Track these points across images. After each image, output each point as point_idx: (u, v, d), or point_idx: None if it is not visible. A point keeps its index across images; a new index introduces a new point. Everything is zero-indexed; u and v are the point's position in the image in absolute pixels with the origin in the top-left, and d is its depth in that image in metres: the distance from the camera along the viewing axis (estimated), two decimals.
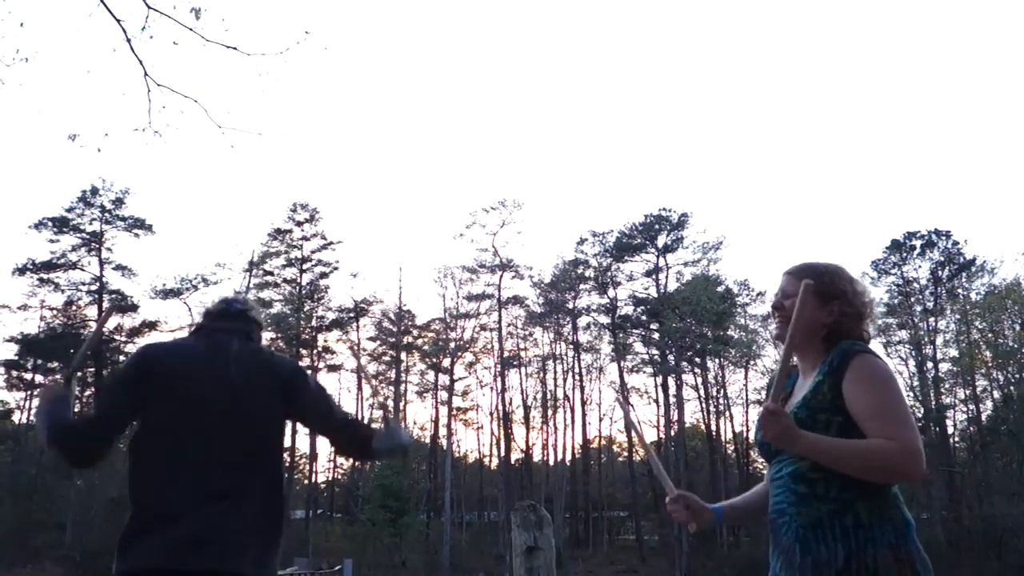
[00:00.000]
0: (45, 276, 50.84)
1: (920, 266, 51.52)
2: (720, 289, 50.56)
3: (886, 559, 1.92)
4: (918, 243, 51.51)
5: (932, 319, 49.93)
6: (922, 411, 48.46)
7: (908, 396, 49.88)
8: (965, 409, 50.03)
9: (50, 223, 50.40)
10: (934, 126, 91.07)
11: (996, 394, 48.20)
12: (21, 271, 50.40)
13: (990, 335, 47.21)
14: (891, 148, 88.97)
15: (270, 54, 9.57)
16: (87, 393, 53.15)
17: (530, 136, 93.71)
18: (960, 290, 50.51)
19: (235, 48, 9.26)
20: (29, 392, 52.99)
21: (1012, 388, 46.17)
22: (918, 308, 50.86)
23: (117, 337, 52.79)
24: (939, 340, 49.82)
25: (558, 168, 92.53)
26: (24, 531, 41.08)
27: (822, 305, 2.19)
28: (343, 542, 46.32)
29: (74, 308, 52.05)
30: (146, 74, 9.49)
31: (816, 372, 2.15)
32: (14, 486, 47.39)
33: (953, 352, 49.19)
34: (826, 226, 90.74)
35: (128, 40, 8.69)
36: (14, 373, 52.35)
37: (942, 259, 51.22)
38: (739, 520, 2.41)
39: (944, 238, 51.27)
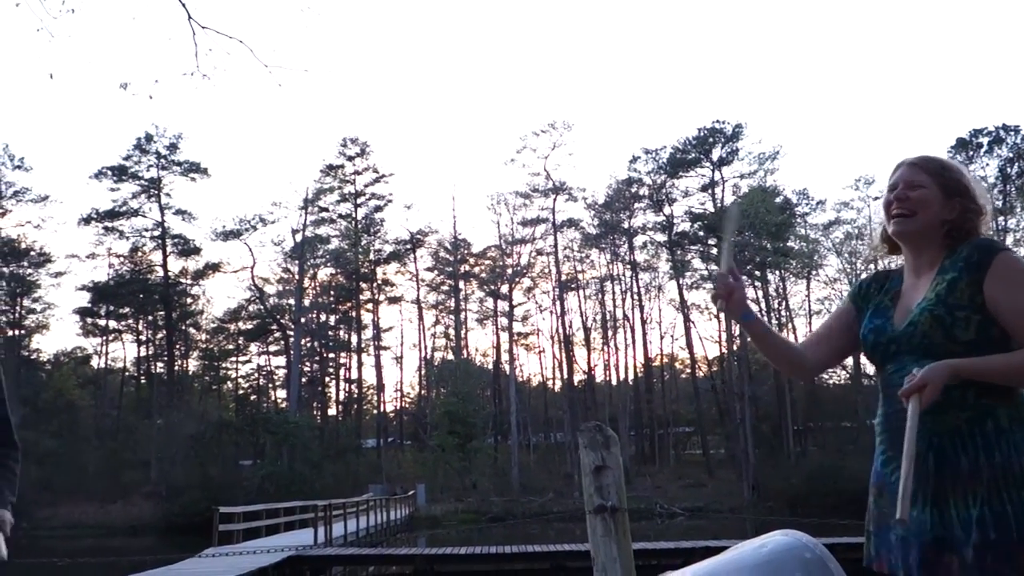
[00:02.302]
0: (109, 224, 52.08)
1: (988, 164, 49.78)
2: (778, 200, 49.62)
3: (1016, 463, 1.86)
4: (985, 140, 49.68)
5: (1001, 218, 48.44)
6: None
7: None
8: None
9: (109, 172, 51.46)
10: (995, 17, 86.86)
11: None
12: (86, 221, 51.72)
13: None
14: (953, 42, 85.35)
15: None
16: (159, 336, 54.85)
17: (577, 55, 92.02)
18: None
19: None
20: (105, 337, 54.84)
21: None
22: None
23: (183, 280, 54.12)
24: (1009, 239, 48.41)
25: (607, 86, 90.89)
26: (112, 470, 43.02)
27: (947, 200, 2.09)
28: (414, 468, 47.58)
29: (140, 254, 53.38)
30: (190, 17, 9.48)
31: (940, 268, 2.05)
32: (99, 428, 49.51)
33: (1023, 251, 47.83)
34: (887, 128, 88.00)
35: None
36: (89, 320, 54.11)
37: (1011, 155, 49.39)
38: (758, 337, 2.27)
39: (1013, 133, 49.34)
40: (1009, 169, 49.24)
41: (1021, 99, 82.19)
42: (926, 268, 2.10)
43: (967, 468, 1.87)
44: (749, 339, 2.31)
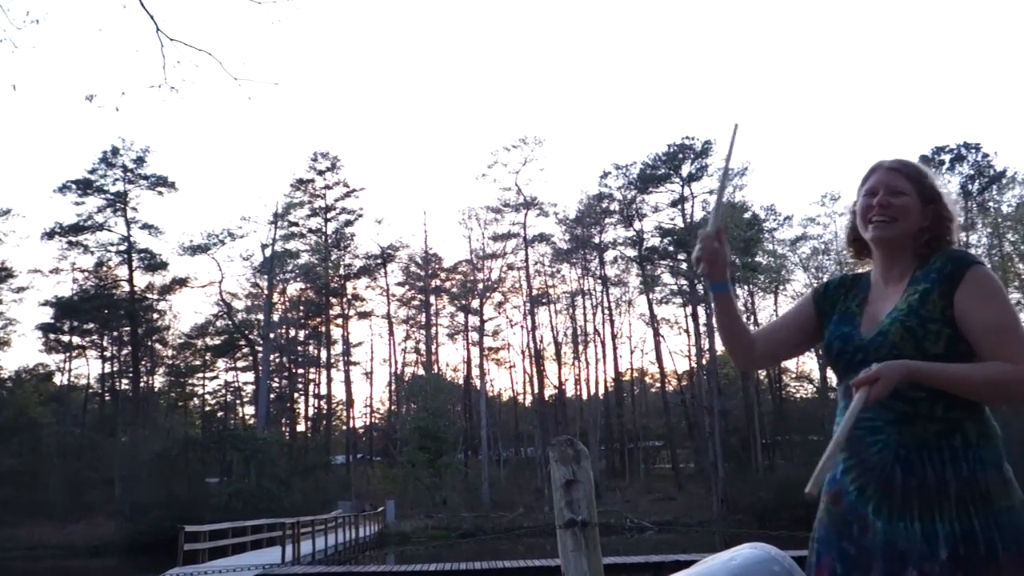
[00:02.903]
0: (74, 239, 51.33)
1: (950, 180, 50.61)
2: (747, 215, 50.06)
3: (995, 480, 1.85)
4: (947, 157, 50.60)
5: (963, 234, 49.26)
6: None
7: None
8: None
9: (74, 185, 50.73)
10: (961, 38, 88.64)
11: None
12: (50, 235, 50.93)
13: (1023, 247, 46.59)
14: (917, 61, 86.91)
15: (282, 1, 9.39)
16: (124, 352, 54.09)
17: (548, 71, 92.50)
18: (991, 203, 49.72)
19: None
20: (68, 354, 53.97)
21: None
22: None
23: (149, 295, 53.46)
24: None
25: (578, 102, 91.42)
26: (75, 489, 42.24)
27: (924, 208, 2.07)
28: (384, 484, 47.24)
29: (105, 269, 52.65)
30: (158, 29, 9.40)
31: (912, 279, 2.03)
32: (61, 446, 48.64)
33: None
34: (853, 145, 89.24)
35: None
36: (52, 336, 53.24)
37: (972, 172, 50.34)
38: (724, 311, 2.22)
39: (974, 151, 50.32)
40: (970, 186, 50.15)
41: (982, 117, 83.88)
42: (896, 277, 2.08)
43: (934, 481, 1.85)
44: (715, 326, 2.27)
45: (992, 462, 1.88)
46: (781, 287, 51.71)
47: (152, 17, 8.98)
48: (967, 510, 1.82)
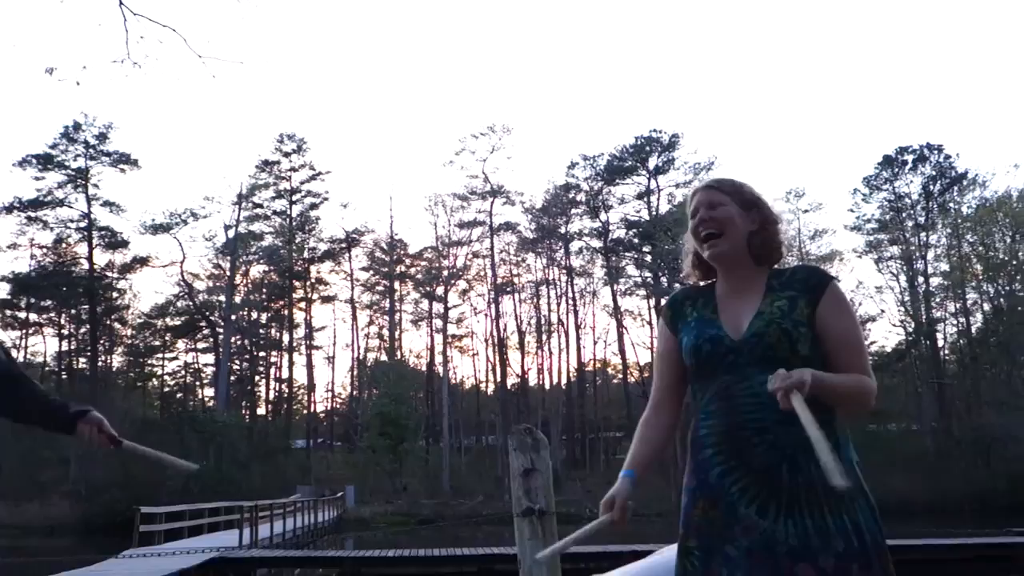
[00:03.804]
0: (32, 214, 50.40)
1: (912, 181, 51.40)
2: None
3: (860, 478, 1.99)
4: (910, 158, 51.27)
5: (923, 234, 50.03)
6: (913, 325, 48.95)
7: (899, 310, 50.39)
8: (955, 322, 50.53)
9: (34, 160, 49.75)
10: (924, 39, 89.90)
11: (987, 307, 48.63)
12: (8, 210, 49.99)
13: (981, 248, 47.41)
14: (881, 62, 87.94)
15: None
16: (82, 331, 53.28)
17: (518, 59, 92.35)
18: (952, 204, 50.52)
19: None
20: (25, 331, 53.08)
21: (1002, 300, 46.59)
22: (909, 223, 50.90)
23: (109, 274, 52.67)
24: (930, 255, 50.02)
25: (547, 91, 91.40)
26: (29, 468, 41.59)
27: (746, 214, 2.17)
28: (344, 469, 47.08)
29: (64, 246, 51.75)
30: (121, 3, 9.25)
31: (771, 287, 2.12)
32: (14, 424, 47.73)
33: (944, 266, 49.44)
34: (817, 142, 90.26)
35: None
36: (8, 312, 52.29)
37: (934, 173, 51.05)
38: (646, 470, 2.28)
39: (936, 152, 51.03)
40: (932, 187, 50.89)
41: (945, 119, 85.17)
42: (744, 284, 2.16)
43: (819, 480, 1.88)
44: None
45: (856, 461, 2.03)
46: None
47: None
48: (852, 506, 1.93)
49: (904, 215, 51.15)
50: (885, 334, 61.58)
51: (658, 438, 2.29)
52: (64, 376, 54.25)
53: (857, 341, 2.07)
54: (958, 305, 49.27)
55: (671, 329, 2.26)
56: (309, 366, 56.21)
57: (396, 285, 58.19)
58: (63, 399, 2.56)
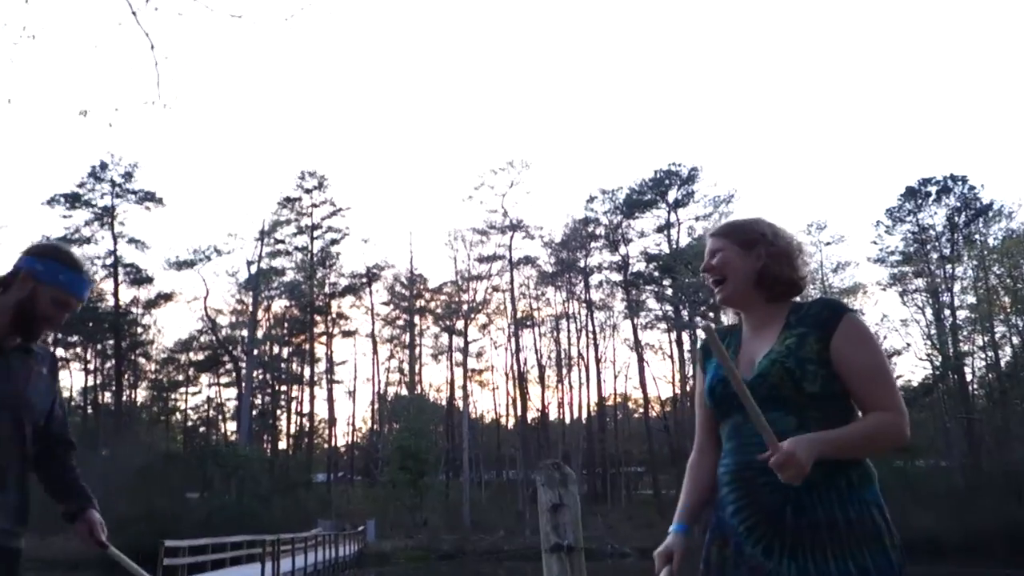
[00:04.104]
0: None
1: (936, 212, 51.03)
2: None
3: (879, 519, 1.95)
4: (933, 189, 50.96)
5: (949, 266, 49.56)
6: (940, 359, 48.35)
7: (926, 344, 49.82)
8: (983, 356, 49.85)
9: (62, 199, 50.64)
10: (946, 69, 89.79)
11: (1015, 340, 47.96)
12: None
13: (1008, 280, 46.87)
14: (904, 93, 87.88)
15: (275, 20, 9.46)
16: (107, 365, 53.67)
17: (536, 95, 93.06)
18: (977, 236, 50.04)
19: (239, 16, 9.14)
20: None
21: None
22: (934, 255, 50.48)
23: (134, 310, 53.20)
24: (956, 287, 49.51)
25: (565, 126, 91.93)
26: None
27: (747, 253, 2.17)
28: (365, 503, 46.93)
29: None
30: (152, 47, 9.44)
31: (784, 324, 2.11)
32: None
33: (971, 299, 48.89)
34: (839, 175, 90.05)
35: (134, 13, 8.60)
36: None
37: (958, 205, 50.68)
38: (697, 520, 2.31)
39: (960, 183, 50.69)
40: (956, 218, 50.51)
41: (969, 150, 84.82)
42: (762, 322, 2.17)
43: (825, 521, 1.91)
44: None
45: (875, 502, 1.98)
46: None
47: (147, 35, 9.02)
48: (861, 550, 1.90)
49: (929, 247, 50.75)
50: (912, 368, 60.99)
51: (705, 480, 2.28)
52: (90, 411, 54.64)
53: (878, 372, 2.01)
54: (986, 338, 48.64)
55: (703, 370, 2.29)
56: (330, 400, 56.30)
57: (416, 319, 58.33)
58: (80, 487, 2.79)
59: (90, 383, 54.91)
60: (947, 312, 49.06)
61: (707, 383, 2.19)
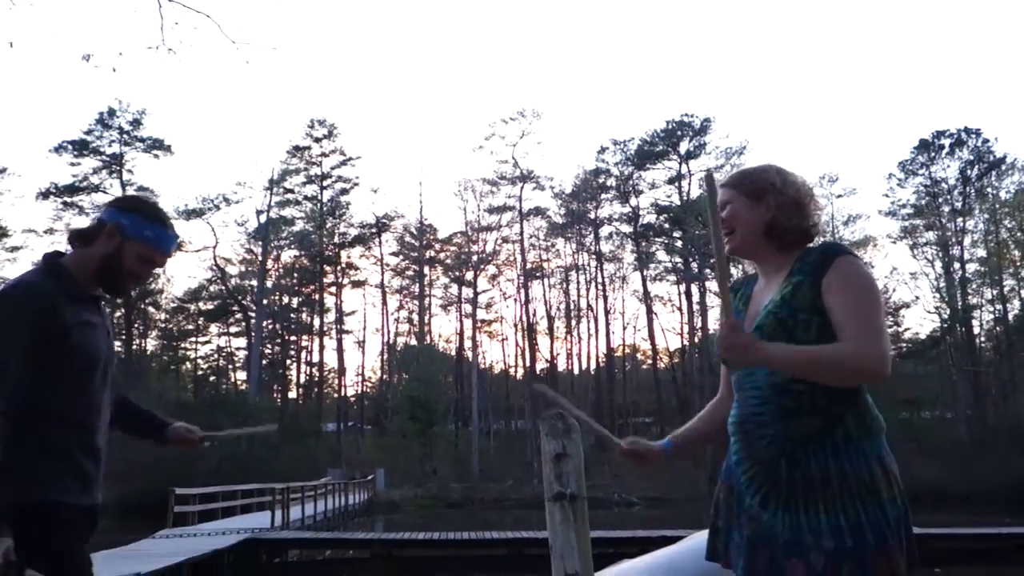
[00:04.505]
0: (68, 200, 51.08)
1: (948, 165, 50.56)
2: None
3: (878, 473, 1.90)
4: (947, 142, 50.42)
5: (960, 219, 49.24)
6: (948, 312, 48.30)
7: (935, 297, 49.69)
8: (992, 309, 49.77)
9: (70, 146, 50.42)
10: (962, 20, 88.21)
11: None
12: (44, 195, 50.69)
13: (1019, 234, 46.61)
14: (919, 45, 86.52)
15: None
16: (117, 315, 54.04)
17: (549, 43, 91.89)
18: (989, 189, 49.62)
19: None
20: None
21: None
22: (946, 208, 50.12)
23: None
24: (967, 240, 49.26)
25: (577, 76, 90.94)
26: None
27: (756, 204, 2.11)
28: (374, 452, 47.43)
29: None
30: None
31: (788, 272, 2.07)
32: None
33: (981, 252, 48.66)
34: (852, 127, 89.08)
35: None
36: None
37: (971, 158, 50.16)
38: (686, 450, 2.38)
39: (974, 136, 50.11)
40: (969, 171, 50.04)
41: (983, 103, 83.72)
42: (773, 272, 2.13)
43: (818, 475, 1.89)
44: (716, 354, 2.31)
45: (875, 455, 1.93)
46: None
47: None
48: (854, 504, 1.87)
49: (940, 200, 50.36)
50: (920, 321, 60.71)
51: (714, 418, 2.32)
52: None
53: (857, 310, 1.90)
54: (994, 292, 48.51)
55: None
56: (339, 350, 56.60)
57: (426, 270, 58.35)
58: (151, 413, 2.86)
59: None
60: (956, 265, 48.87)
61: (716, 339, 2.16)
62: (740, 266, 2.45)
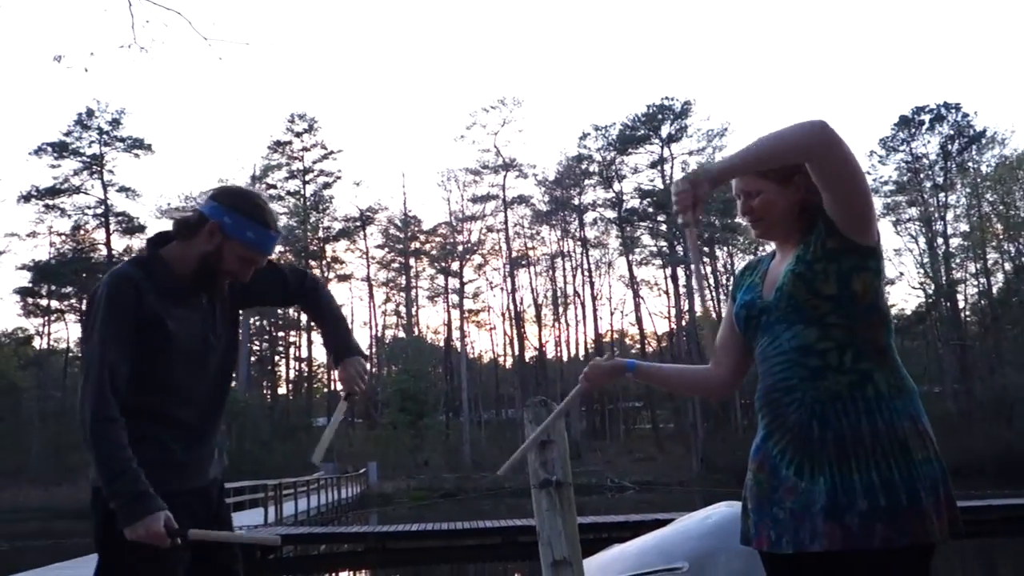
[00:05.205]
0: (50, 202, 50.73)
1: (929, 141, 50.79)
2: None
3: (911, 431, 1.89)
4: (927, 117, 50.62)
5: (942, 194, 49.52)
6: (933, 287, 48.64)
7: (919, 272, 50.00)
8: (976, 283, 50.15)
9: (49, 148, 50.03)
10: None
11: (1007, 266, 48.19)
12: (26, 198, 50.32)
13: (1001, 207, 46.91)
14: (896, 20, 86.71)
15: None
16: None
17: (527, 31, 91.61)
18: (970, 163, 49.90)
19: None
20: (47, 318, 53.59)
21: None
22: (928, 184, 50.38)
23: (126, 258, 52.98)
24: (949, 215, 49.56)
25: (557, 62, 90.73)
26: (57, 452, 42.18)
27: (785, 188, 2.07)
28: (366, 446, 47.45)
29: (82, 232, 52.11)
30: None
31: (800, 240, 2.07)
32: (42, 410, 48.46)
33: (964, 227, 48.98)
34: (833, 105, 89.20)
35: None
36: (30, 300, 52.79)
37: (952, 133, 50.39)
38: (649, 378, 2.41)
39: (954, 111, 50.33)
40: (950, 146, 50.28)
41: (963, 77, 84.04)
42: (790, 247, 2.10)
43: (850, 433, 1.87)
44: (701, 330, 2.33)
45: (907, 414, 1.91)
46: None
47: None
48: (887, 461, 1.85)
49: (922, 176, 50.62)
50: (905, 296, 61.14)
51: (685, 374, 2.41)
52: None
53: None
54: (978, 265, 48.87)
55: (732, 297, 2.27)
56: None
57: (411, 262, 58.29)
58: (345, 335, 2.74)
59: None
60: (940, 240, 49.18)
61: (734, 310, 2.17)
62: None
